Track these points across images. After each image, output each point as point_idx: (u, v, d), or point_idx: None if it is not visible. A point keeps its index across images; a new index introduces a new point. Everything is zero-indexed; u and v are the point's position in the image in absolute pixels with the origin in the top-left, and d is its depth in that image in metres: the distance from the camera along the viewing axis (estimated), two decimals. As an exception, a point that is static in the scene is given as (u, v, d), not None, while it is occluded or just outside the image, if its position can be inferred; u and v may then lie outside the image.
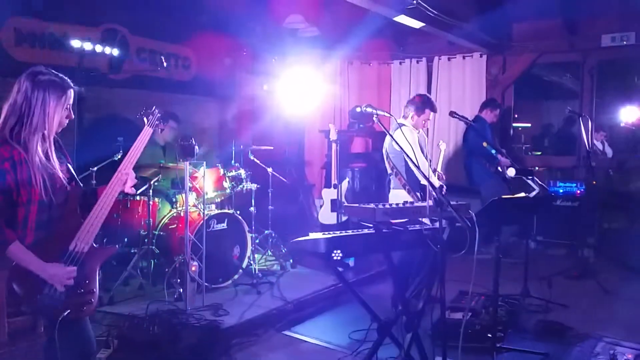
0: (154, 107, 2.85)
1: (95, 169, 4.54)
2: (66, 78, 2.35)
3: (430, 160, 4.28)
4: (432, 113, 4.16)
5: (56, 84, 2.30)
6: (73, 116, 2.39)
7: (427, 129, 4.36)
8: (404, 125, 4.08)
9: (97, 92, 5.54)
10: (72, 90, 2.35)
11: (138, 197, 4.75)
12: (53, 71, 2.35)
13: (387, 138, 3.58)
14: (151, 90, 6.11)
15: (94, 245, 2.36)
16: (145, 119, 2.79)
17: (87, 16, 5.47)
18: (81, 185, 2.47)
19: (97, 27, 5.63)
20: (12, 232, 2.17)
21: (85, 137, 5.13)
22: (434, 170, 4.28)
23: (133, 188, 2.49)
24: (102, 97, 5.64)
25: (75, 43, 5.28)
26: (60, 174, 2.33)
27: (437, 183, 3.88)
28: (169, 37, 6.31)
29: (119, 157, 4.66)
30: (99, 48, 5.50)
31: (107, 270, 4.65)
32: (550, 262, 5.81)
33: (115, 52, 5.68)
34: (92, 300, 2.33)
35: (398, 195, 4.02)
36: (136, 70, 5.97)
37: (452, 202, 2.56)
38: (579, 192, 5.51)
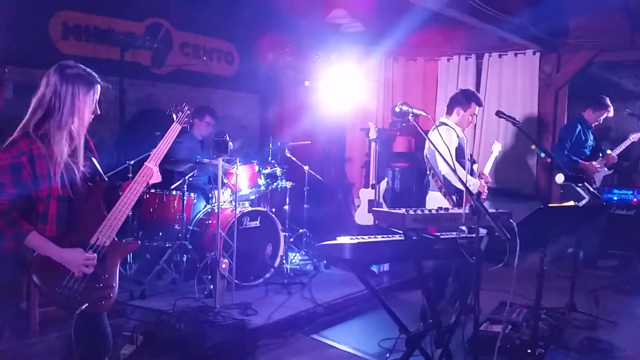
0: (184, 104, 2.86)
1: (132, 162, 4.57)
2: (93, 73, 2.33)
3: (474, 163, 4.04)
4: (477, 107, 3.93)
5: (84, 78, 2.28)
6: (99, 112, 2.38)
7: (475, 125, 4.11)
8: (444, 124, 3.88)
9: (140, 85, 5.61)
10: (99, 86, 2.33)
11: (174, 192, 4.75)
12: (81, 65, 2.32)
13: (434, 135, 3.40)
14: (193, 85, 6.14)
15: (116, 239, 2.35)
16: (174, 115, 2.79)
17: (132, 10, 5.54)
18: (106, 180, 2.44)
19: (141, 21, 5.70)
20: (27, 223, 2.16)
21: (127, 131, 5.20)
22: (480, 174, 4.04)
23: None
24: (144, 91, 5.71)
25: (120, 36, 5.37)
26: (83, 169, 2.31)
27: (475, 188, 3.65)
28: (213, 31, 6.32)
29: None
30: (142, 42, 5.59)
31: (141, 264, 4.70)
32: (600, 274, 5.45)
33: (159, 46, 5.75)
34: (111, 295, 2.30)
35: (434, 198, 3.85)
36: (179, 64, 6.01)
37: (491, 210, 2.37)
38: (635, 200, 5.12)
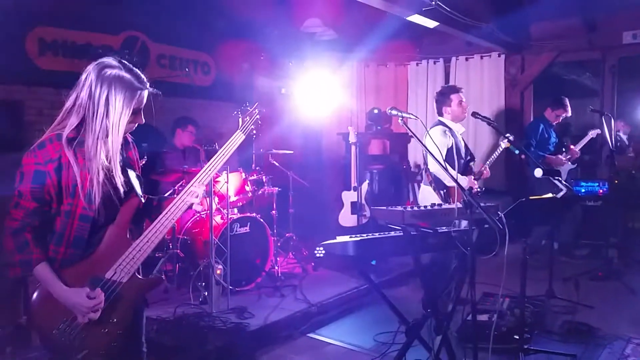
0: (255, 104, 2.41)
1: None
2: (142, 75, 2.01)
3: (472, 160, 4.19)
4: (459, 94, 4.10)
5: (125, 82, 1.92)
6: (143, 121, 2.04)
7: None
8: (441, 123, 4.06)
9: (119, 98, 5.61)
10: (145, 92, 2.00)
11: (162, 202, 4.79)
12: (128, 64, 2.00)
13: (426, 135, 3.56)
14: (171, 96, 6.18)
15: (137, 275, 1.97)
16: (240, 120, 2.32)
17: (108, 24, 5.55)
18: (140, 196, 2.04)
19: (118, 35, 5.72)
20: (40, 251, 1.85)
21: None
22: (480, 167, 4.19)
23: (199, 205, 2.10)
24: (123, 104, 5.71)
25: (98, 50, 5.38)
26: (119, 186, 1.96)
27: (466, 185, 3.85)
28: (189, 43, 6.38)
29: (144, 162, 4.72)
30: (120, 55, 5.61)
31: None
32: (574, 263, 5.78)
33: (136, 58, 5.78)
34: (116, 343, 1.91)
35: (425, 191, 4.05)
36: (157, 76, 6.04)
37: (481, 204, 2.56)
38: (601, 191, 5.45)
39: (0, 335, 3.29)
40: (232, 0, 5.57)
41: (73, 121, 1.90)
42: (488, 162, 4.20)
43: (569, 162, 6.05)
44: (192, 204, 2.06)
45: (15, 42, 4.88)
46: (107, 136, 1.90)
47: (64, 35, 5.23)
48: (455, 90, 4.13)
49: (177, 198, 2.03)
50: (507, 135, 3.79)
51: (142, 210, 2.07)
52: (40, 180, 1.83)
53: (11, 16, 4.75)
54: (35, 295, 1.90)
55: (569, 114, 6.09)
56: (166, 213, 2.00)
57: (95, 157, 1.88)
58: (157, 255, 4.67)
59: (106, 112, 1.89)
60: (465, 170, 4.08)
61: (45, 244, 1.89)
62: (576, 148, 6.07)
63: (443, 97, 4.12)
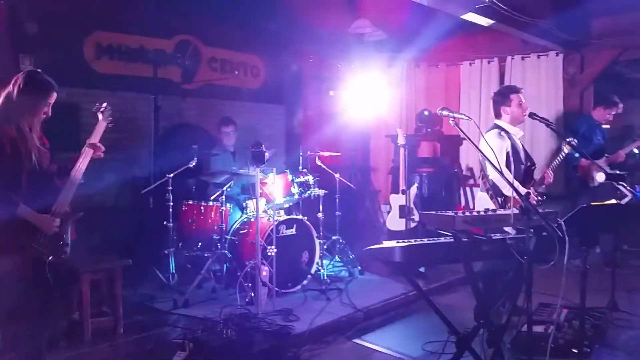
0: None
1: (171, 175, 4.68)
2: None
3: (532, 166, 3.98)
4: (518, 94, 3.90)
5: None
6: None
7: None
8: (497, 126, 3.88)
9: (171, 101, 5.74)
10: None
11: (211, 203, 4.86)
12: None
13: (481, 139, 3.41)
14: (221, 99, 6.27)
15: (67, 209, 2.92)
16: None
17: (161, 28, 5.69)
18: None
19: (170, 39, 5.85)
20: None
21: (161, 145, 5.33)
22: (544, 172, 3.98)
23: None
24: (176, 106, 5.84)
25: (151, 54, 5.52)
26: None
27: (523, 190, 3.65)
28: (239, 46, 6.46)
29: (194, 164, 4.80)
30: (173, 58, 5.75)
31: (182, 273, 4.80)
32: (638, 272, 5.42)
33: (188, 62, 5.91)
34: (67, 250, 2.91)
35: (482, 198, 3.86)
36: (207, 79, 6.15)
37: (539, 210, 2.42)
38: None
39: (55, 330, 3.39)
40: (281, 4, 5.58)
41: None
42: (552, 167, 3.96)
43: (607, 167, 5.60)
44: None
45: (74, 47, 5.08)
46: None
47: (119, 39, 5.40)
48: (515, 90, 3.94)
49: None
50: (570, 139, 3.56)
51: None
52: None
53: (71, 22, 4.95)
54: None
55: (621, 111, 5.72)
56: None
57: None
58: (205, 255, 4.73)
59: None
60: (526, 177, 3.84)
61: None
62: (622, 152, 5.67)
63: (502, 97, 3.94)
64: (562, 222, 2.45)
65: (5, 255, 2.75)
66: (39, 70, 2.91)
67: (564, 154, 3.92)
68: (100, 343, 3.55)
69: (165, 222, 4.70)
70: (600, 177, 3.25)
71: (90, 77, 5.18)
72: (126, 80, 5.39)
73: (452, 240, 2.52)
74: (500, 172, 2.59)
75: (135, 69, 5.47)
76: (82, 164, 2.97)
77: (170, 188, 4.66)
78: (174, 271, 4.73)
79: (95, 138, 3.08)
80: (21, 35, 4.68)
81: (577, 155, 3.74)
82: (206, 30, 6.05)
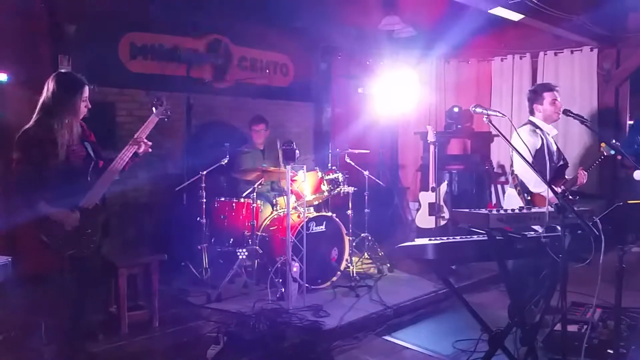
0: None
1: (204, 172, 4.77)
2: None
3: (564, 165, 3.92)
4: (553, 92, 3.85)
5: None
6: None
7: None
8: (531, 122, 3.85)
9: (203, 99, 5.83)
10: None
11: (242, 200, 4.94)
12: None
13: (514, 135, 3.39)
14: (252, 97, 6.34)
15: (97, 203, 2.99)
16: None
17: (194, 28, 5.78)
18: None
19: (202, 38, 5.94)
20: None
21: (193, 143, 5.43)
22: (579, 171, 3.92)
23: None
24: (207, 105, 5.93)
25: (184, 54, 5.63)
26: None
27: (557, 188, 3.60)
28: (268, 45, 6.51)
29: (225, 161, 4.88)
30: (205, 58, 5.84)
31: (215, 268, 4.90)
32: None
33: (220, 61, 5.99)
34: (92, 245, 2.96)
35: (510, 195, 3.85)
36: (238, 78, 6.23)
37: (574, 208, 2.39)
38: None
39: (93, 323, 3.51)
40: (310, 2, 5.61)
41: None
42: (590, 169, 3.89)
43: None
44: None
45: (109, 47, 5.21)
46: None
47: (152, 39, 5.51)
48: (549, 88, 3.90)
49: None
50: (614, 142, 3.47)
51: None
52: None
53: (107, 23, 5.08)
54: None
55: None
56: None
57: None
58: (237, 250, 4.81)
59: None
60: (557, 176, 3.80)
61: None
62: None
63: (535, 94, 3.90)
64: (598, 220, 2.42)
65: (34, 251, 2.83)
66: (64, 70, 3.02)
67: (602, 157, 3.85)
68: (136, 336, 3.65)
69: (198, 218, 4.79)
70: (637, 174, 3.18)
71: (125, 77, 5.31)
72: (159, 80, 5.50)
73: (486, 238, 2.51)
74: (532, 166, 2.56)
75: (168, 69, 5.58)
76: (122, 159, 2.99)
77: (203, 185, 4.75)
78: (206, 266, 4.83)
79: (143, 133, 3.09)
80: (60, 36, 4.83)
81: (612, 152, 3.66)
82: (236, 29, 6.12)
